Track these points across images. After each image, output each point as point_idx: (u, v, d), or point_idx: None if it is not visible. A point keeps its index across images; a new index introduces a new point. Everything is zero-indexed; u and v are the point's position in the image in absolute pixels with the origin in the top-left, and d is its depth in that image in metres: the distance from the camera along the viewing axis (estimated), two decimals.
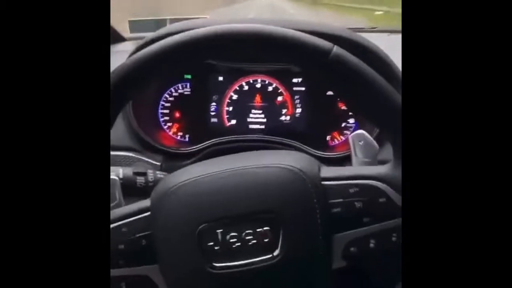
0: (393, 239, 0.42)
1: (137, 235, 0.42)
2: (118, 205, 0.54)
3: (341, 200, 0.42)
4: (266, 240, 0.41)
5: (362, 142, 0.55)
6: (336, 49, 0.38)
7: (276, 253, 0.41)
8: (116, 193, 0.56)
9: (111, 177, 0.57)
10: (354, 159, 0.55)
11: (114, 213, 0.44)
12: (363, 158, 0.54)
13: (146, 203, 0.44)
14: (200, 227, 0.40)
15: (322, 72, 0.39)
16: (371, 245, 0.42)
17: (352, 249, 0.42)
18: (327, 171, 0.44)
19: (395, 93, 0.39)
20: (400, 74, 0.70)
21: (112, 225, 0.42)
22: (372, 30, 1.15)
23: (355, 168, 0.49)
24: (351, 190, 0.42)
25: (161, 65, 0.39)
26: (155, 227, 0.42)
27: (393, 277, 0.47)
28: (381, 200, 0.42)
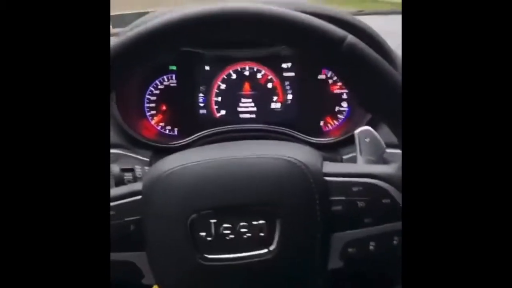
0: (395, 242, 0.40)
1: (126, 219, 0.41)
2: None
3: (343, 198, 0.40)
4: (261, 234, 0.39)
5: (368, 139, 0.52)
6: (350, 38, 0.36)
7: (271, 248, 0.39)
8: None
9: None
10: (359, 156, 0.53)
11: None
12: (368, 156, 0.52)
13: (137, 186, 0.42)
14: (193, 216, 0.39)
15: (335, 61, 0.37)
16: (371, 247, 0.41)
17: (350, 249, 0.41)
18: (330, 166, 0.42)
19: None
20: (393, 54, 0.68)
21: None
22: (359, 13, 1.13)
23: (360, 166, 0.47)
24: (354, 189, 0.41)
25: (164, 41, 0.36)
26: (145, 212, 0.40)
27: (392, 281, 0.45)
28: (384, 201, 0.40)
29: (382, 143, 0.52)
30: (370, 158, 0.52)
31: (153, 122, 0.82)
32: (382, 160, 0.52)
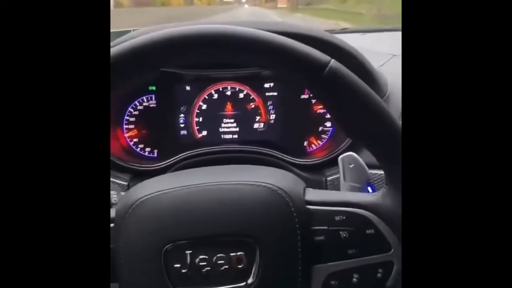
0: (379, 275, 0.39)
1: None
2: None
3: (325, 227, 0.39)
4: (240, 266, 0.37)
5: (352, 165, 0.51)
6: (333, 63, 0.35)
7: (250, 281, 0.37)
8: None
9: None
10: (342, 182, 0.51)
11: None
12: (352, 182, 0.50)
13: (112, 213, 0.40)
14: (167, 246, 0.37)
15: (316, 86, 0.36)
16: (354, 279, 0.39)
17: (332, 282, 0.39)
18: (312, 193, 0.41)
19: (395, 119, 0.36)
20: (376, 74, 0.67)
21: None
22: (343, 31, 1.13)
23: (343, 194, 0.45)
24: (337, 218, 0.39)
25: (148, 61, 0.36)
26: (117, 242, 0.38)
27: None
28: (368, 231, 0.39)
29: (366, 169, 0.50)
30: (354, 184, 0.50)
31: (132, 144, 0.80)
32: (366, 187, 0.50)
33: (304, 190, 0.41)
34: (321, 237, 0.39)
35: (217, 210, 0.38)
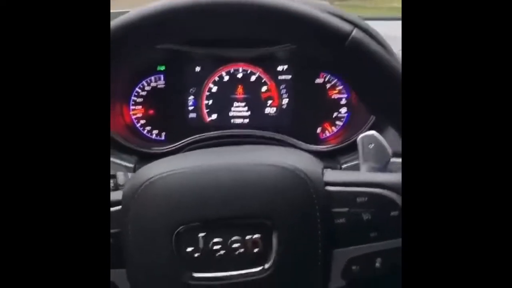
0: None
1: None
2: None
3: (346, 209, 0.37)
4: (256, 250, 0.36)
5: (372, 145, 0.48)
6: (356, 32, 0.33)
7: (267, 266, 0.36)
8: None
9: None
10: (362, 164, 0.49)
11: None
12: (372, 163, 0.48)
13: (117, 195, 0.38)
14: (178, 229, 0.36)
15: (338, 57, 0.35)
16: (377, 265, 0.38)
17: (354, 267, 0.38)
18: (331, 174, 0.39)
19: None
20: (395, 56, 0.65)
21: None
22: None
23: (365, 174, 0.44)
24: (359, 199, 0.37)
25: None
26: (125, 225, 0.37)
27: None
28: (392, 213, 0.37)
29: (388, 149, 0.47)
30: (374, 165, 0.47)
31: (139, 125, 0.78)
32: (387, 169, 0.47)
33: (323, 170, 0.39)
34: (342, 220, 0.37)
35: (232, 191, 0.36)
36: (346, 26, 0.34)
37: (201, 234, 0.36)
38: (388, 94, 0.35)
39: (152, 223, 0.36)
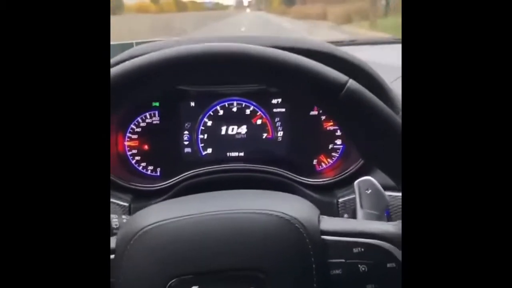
0: None
1: None
2: None
3: (342, 260, 0.36)
4: None
5: (369, 191, 0.48)
6: (351, 83, 0.34)
7: None
8: None
9: None
10: (359, 210, 0.48)
11: None
12: (369, 210, 0.47)
13: (112, 243, 0.38)
14: (171, 281, 0.35)
15: (332, 108, 0.35)
16: None
17: None
18: (328, 222, 0.38)
19: None
20: (390, 93, 0.64)
21: None
22: (352, 43, 1.10)
23: (361, 223, 0.43)
24: (355, 250, 0.36)
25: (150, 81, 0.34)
26: (117, 275, 0.36)
27: None
28: (389, 265, 0.36)
29: (385, 195, 0.47)
30: (372, 212, 0.47)
31: (133, 162, 0.77)
32: (384, 215, 0.47)
33: (319, 218, 0.38)
34: (338, 271, 0.36)
35: (226, 242, 0.36)
36: (341, 77, 0.34)
37: (194, 287, 0.35)
38: (383, 145, 0.34)
39: (144, 276, 0.35)
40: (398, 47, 1.00)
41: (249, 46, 0.34)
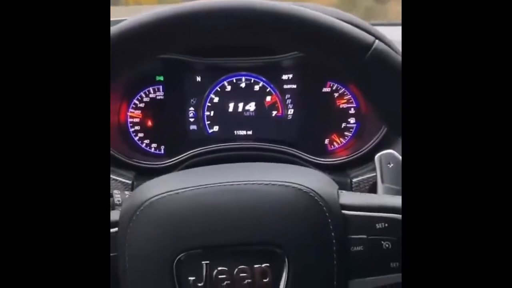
0: None
1: None
2: None
3: (364, 236, 0.35)
4: (265, 280, 0.34)
5: (391, 165, 0.46)
6: (377, 44, 0.33)
7: None
8: None
9: None
10: (379, 185, 0.47)
11: None
12: (391, 184, 0.46)
13: (114, 215, 0.36)
14: (179, 256, 0.34)
15: (357, 69, 0.34)
16: None
17: None
18: (348, 197, 0.37)
19: None
20: None
21: None
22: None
23: (383, 197, 0.41)
24: (378, 226, 0.35)
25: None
26: (122, 249, 0.35)
27: None
28: None
29: None
30: (393, 187, 0.45)
31: (136, 139, 0.75)
32: None
33: (338, 192, 0.37)
34: (360, 248, 0.35)
35: (239, 214, 0.34)
36: (368, 38, 0.33)
37: (204, 262, 0.34)
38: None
39: (151, 249, 0.34)
40: None
41: (265, 1, 0.32)
